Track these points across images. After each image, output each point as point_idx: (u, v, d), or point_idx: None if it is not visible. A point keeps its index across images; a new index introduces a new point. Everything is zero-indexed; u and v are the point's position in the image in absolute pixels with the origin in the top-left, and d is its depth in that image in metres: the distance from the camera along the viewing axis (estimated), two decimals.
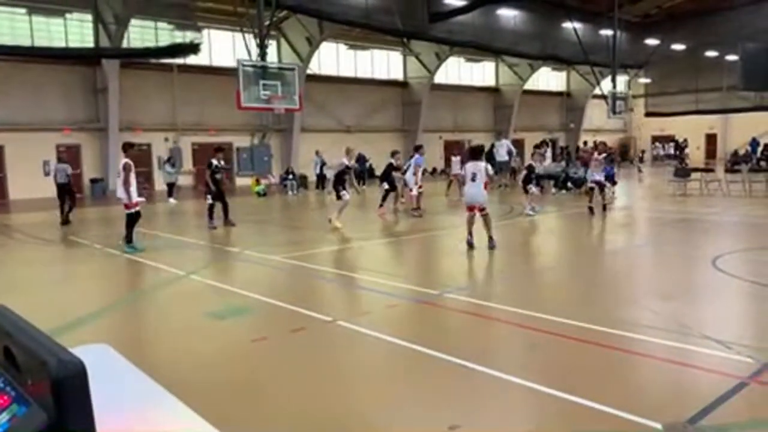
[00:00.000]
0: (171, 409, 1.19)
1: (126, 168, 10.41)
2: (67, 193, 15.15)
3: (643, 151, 32.52)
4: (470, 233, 10.03)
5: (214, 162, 13.41)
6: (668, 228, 13.10)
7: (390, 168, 15.98)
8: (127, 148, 10.85)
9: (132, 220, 10.59)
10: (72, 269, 10.10)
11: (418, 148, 16.42)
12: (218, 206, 13.47)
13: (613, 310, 6.31)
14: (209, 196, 13.37)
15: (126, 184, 10.40)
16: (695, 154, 39.34)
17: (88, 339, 2.31)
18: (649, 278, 8.39)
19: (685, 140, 38.31)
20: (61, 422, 0.82)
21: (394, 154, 16.70)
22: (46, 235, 13.32)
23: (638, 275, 8.70)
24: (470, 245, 9.93)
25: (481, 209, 9.97)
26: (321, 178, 24.92)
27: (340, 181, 13.22)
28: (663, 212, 15.72)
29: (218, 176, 13.37)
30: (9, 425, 0.83)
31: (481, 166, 10.01)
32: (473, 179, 9.93)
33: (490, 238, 9.91)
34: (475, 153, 10.45)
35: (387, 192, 15.59)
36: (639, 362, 4.85)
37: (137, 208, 10.60)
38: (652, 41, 40.40)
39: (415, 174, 15.63)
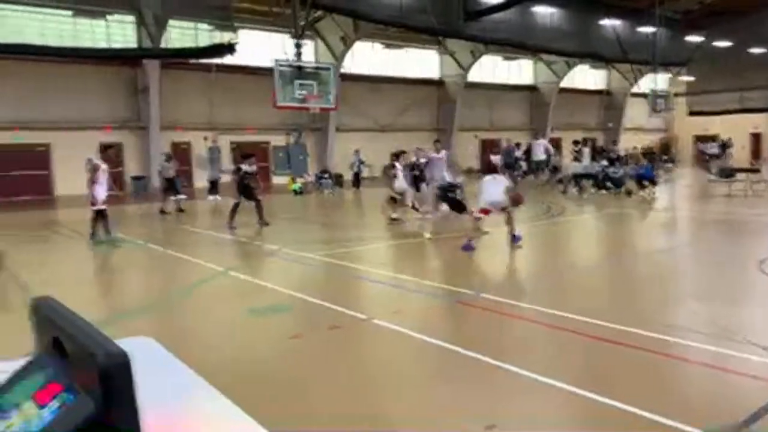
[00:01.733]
0: (213, 402, 1.20)
1: (94, 168, 11.25)
2: (172, 187, 16.74)
3: (670, 151, 31.69)
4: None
5: (244, 168, 13.48)
6: (711, 229, 12.76)
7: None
8: (103, 149, 11.85)
9: (96, 216, 11.31)
10: (116, 264, 10.35)
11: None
12: (247, 208, 13.33)
13: (652, 313, 6.17)
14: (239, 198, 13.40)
15: (93, 183, 11.20)
16: (740, 154, 38.18)
17: (132, 332, 2.36)
18: (691, 280, 8.18)
19: (730, 139, 37.18)
20: (107, 412, 0.83)
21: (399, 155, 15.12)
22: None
23: (679, 277, 8.48)
24: (473, 248, 9.78)
25: (504, 209, 9.92)
26: (357, 177, 24.98)
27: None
28: (705, 213, 15.32)
29: (246, 181, 13.40)
30: (59, 411, 0.85)
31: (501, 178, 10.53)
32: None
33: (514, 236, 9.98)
34: (490, 168, 10.64)
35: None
36: (679, 366, 4.73)
37: (101, 207, 11.25)
38: (694, 38, 39.38)
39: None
